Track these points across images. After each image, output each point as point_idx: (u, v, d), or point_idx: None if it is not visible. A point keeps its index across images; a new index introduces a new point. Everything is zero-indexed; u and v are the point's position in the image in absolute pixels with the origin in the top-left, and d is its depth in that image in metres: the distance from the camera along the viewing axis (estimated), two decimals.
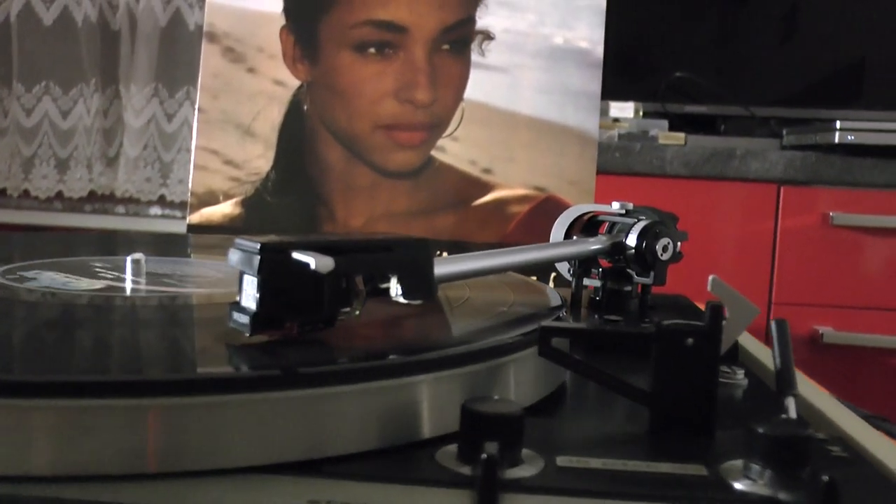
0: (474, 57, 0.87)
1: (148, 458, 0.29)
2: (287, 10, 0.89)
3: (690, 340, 0.35)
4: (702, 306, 0.72)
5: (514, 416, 0.29)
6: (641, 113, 1.76)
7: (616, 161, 1.56)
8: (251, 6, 0.90)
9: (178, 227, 2.06)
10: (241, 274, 0.35)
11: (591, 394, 0.45)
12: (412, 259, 0.37)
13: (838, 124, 1.50)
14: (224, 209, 0.87)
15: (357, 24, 0.87)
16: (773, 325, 0.38)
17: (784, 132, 1.71)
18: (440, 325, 0.43)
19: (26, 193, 2.14)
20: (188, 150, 2.10)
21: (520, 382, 0.38)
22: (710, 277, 0.36)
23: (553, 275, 0.80)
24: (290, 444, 0.31)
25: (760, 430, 0.31)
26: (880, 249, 1.56)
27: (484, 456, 0.26)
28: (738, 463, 0.32)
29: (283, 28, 0.89)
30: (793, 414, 0.36)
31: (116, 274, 0.53)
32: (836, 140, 1.50)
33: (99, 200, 2.16)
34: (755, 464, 0.31)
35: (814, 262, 1.57)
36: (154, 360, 0.36)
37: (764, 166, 1.56)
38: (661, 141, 1.63)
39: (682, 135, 1.65)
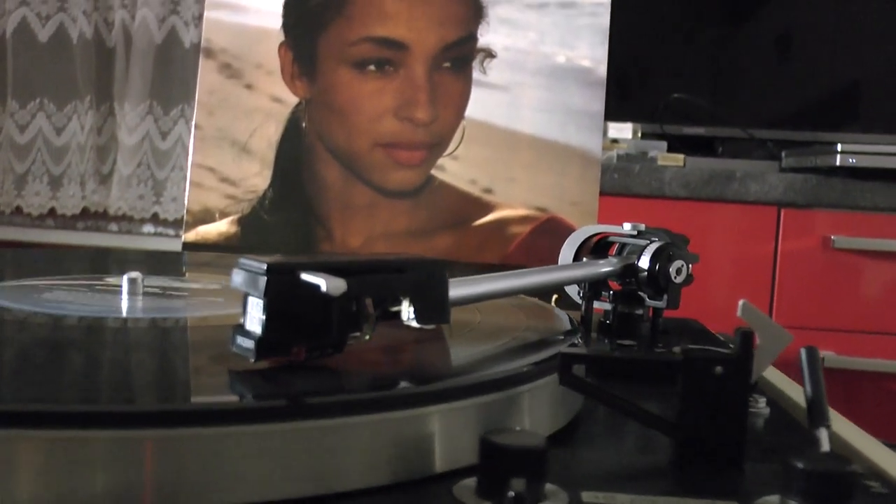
0: (475, 75, 0.86)
1: (142, 493, 0.27)
2: (286, 26, 0.88)
3: (719, 369, 0.33)
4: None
5: (538, 449, 0.27)
6: (640, 134, 1.75)
7: (615, 182, 1.55)
8: (249, 22, 0.88)
9: (171, 245, 2.04)
10: (246, 296, 0.33)
11: (601, 420, 0.43)
12: (426, 281, 0.35)
13: (839, 147, 1.48)
14: (220, 227, 0.85)
15: (357, 41, 0.86)
16: (802, 352, 0.36)
17: (783, 154, 1.70)
18: (452, 352, 0.41)
19: (19, 210, 2.12)
20: (182, 169, 2.08)
21: (537, 412, 0.36)
22: (741, 302, 0.34)
23: (555, 297, 0.79)
24: (296, 480, 0.29)
25: (800, 465, 0.29)
26: (882, 273, 1.55)
27: (511, 494, 0.24)
28: (774, 499, 0.30)
29: (281, 44, 0.87)
30: (826, 447, 0.34)
31: (112, 293, 0.51)
32: (838, 163, 1.48)
33: (92, 218, 2.13)
34: (793, 500, 0.29)
35: (814, 286, 1.56)
36: (149, 387, 0.34)
37: (764, 188, 1.55)
38: (660, 162, 1.62)
39: (681, 156, 1.64)
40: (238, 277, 0.33)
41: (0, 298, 0.47)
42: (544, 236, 0.84)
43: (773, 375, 0.56)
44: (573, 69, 0.86)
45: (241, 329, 0.33)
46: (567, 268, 0.53)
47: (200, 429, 0.28)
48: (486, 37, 0.86)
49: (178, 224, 2.08)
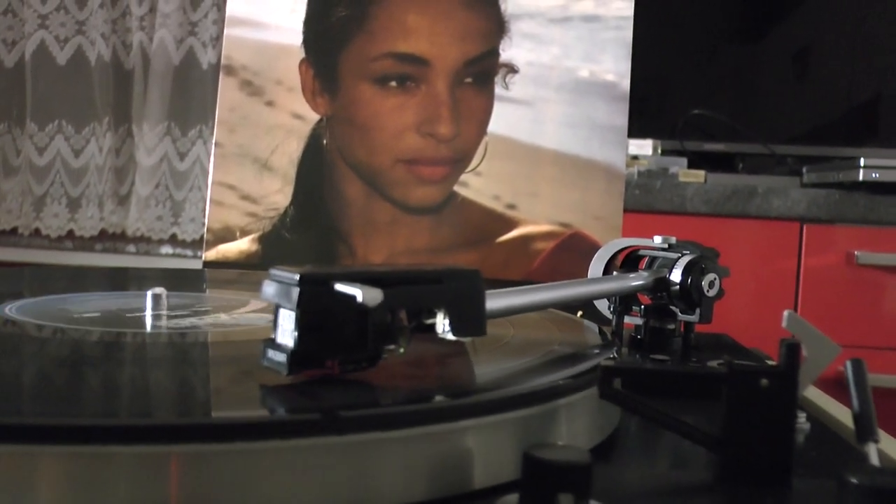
0: (498, 90, 0.85)
1: None
2: (306, 42, 0.87)
3: (765, 382, 0.32)
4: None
5: (584, 464, 0.26)
6: (660, 151, 1.74)
7: (636, 198, 1.54)
8: (270, 39, 0.88)
9: (190, 266, 2.04)
10: (277, 308, 0.32)
11: (635, 436, 0.42)
12: (463, 292, 0.34)
13: (862, 161, 1.47)
14: (241, 245, 0.85)
15: (378, 57, 0.85)
16: (848, 365, 0.35)
17: (804, 170, 1.69)
18: (488, 365, 0.40)
19: (37, 232, 2.12)
20: (200, 189, 2.08)
21: (576, 427, 0.35)
22: (786, 313, 0.33)
23: (580, 312, 0.78)
24: (330, 497, 0.28)
25: (855, 481, 0.28)
26: None
27: None
28: None
29: (302, 61, 0.87)
30: (875, 462, 0.33)
31: (135, 309, 0.50)
32: (861, 178, 1.47)
33: (110, 239, 2.14)
34: None
35: (838, 302, 1.54)
36: (176, 402, 0.33)
37: (786, 204, 1.53)
38: (681, 178, 1.61)
39: (702, 172, 1.63)
40: (269, 289, 0.32)
41: (21, 314, 0.47)
42: (568, 252, 0.83)
43: (809, 390, 0.54)
44: (597, 83, 0.86)
45: (271, 342, 0.32)
46: (600, 281, 0.52)
47: (230, 444, 0.27)
48: (509, 52, 0.86)
49: (196, 245, 2.09)
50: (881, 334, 1.54)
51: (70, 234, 2.13)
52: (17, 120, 2.15)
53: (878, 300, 1.54)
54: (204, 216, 0.84)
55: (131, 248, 2.13)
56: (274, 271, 0.32)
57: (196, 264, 1.95)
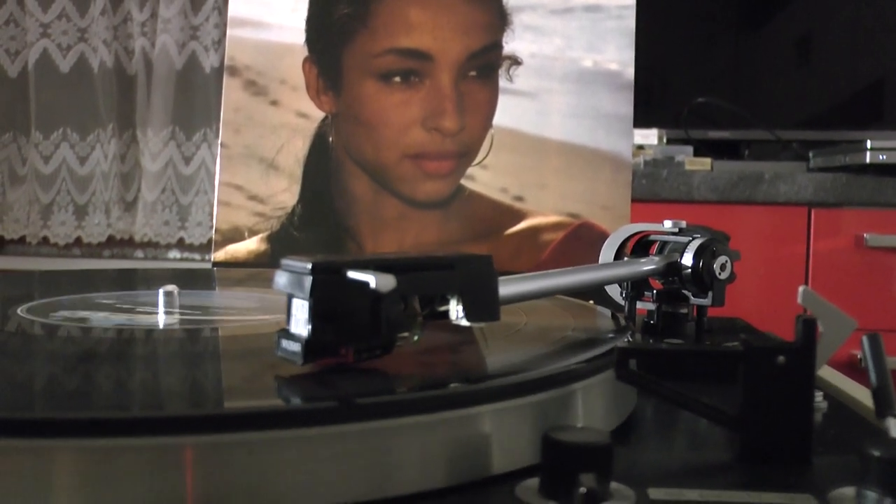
0: (502, 83, 0.85)
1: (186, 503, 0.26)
2: (309, 41, 0.87)
3: (782, 359, 0.32)
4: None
5: (605, 445, 0.26)
6: (665, 140, 1.74)
7: (643, 188, 1.53)
8: (272, 38, 0.88)
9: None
10: (290, 298, 0.32)
11: (652, 419, 0.42)
12: (476, 277, 0.34)
13: (869, 144, 1.47)
14: (249, 245, 0.85)
15: (381, 53, 0.85)
16: (865, 340, 0.35)
17: (811, 154, 1.69)
18: (505, 352, 0.40)
19: (45, 240, 2.13)
20: (206, 193, 2.08)
21: (593, 410, 0.35)
22: (801, 288, 0.33)
23: (591, 301, 0.77)
24: (347, 485, 0.28)
25: (877, 454, 0.27)
26: None
27: (583, 490, 0.23)
28: (849, 490, 0.29)
29: (305, 59, 0.87)
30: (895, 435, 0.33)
31: (148, 307, 0.50)
32: (868, 160, 1.47)
33: (118, 245, 2.14)
34: (871, 490, 0.28)
35: (848, 285, 1.54)
36: (191, 394, 0.33)
37: (793, 189, 1.53)
38: (687, 167, 1.60)
39: (708, 160, 1.62)
40: (281, 279, 0.32)
41: (33, 315, 0.47)
42: (577, 242, 0.83)
43: (823, 369, 0.54)
44: (601, 73, 0.85)
45: (285, 333, 0.32)
46: (612, 266, 0.52)
47: (248, 434, 0.27)
48: (512, 44, 0.86)
49: (203, 249, 2.09)
50: (892, 316, 1.53)
51: (78, 241, 2.13)
52: (22, 129, 2.15)
53: (888, 282, 1.54)
54: (210, 219, 0.84)
55: (139, 253, 2.14)
56: (286, 261, 0.32)
57: (204, 268, 1.95)
